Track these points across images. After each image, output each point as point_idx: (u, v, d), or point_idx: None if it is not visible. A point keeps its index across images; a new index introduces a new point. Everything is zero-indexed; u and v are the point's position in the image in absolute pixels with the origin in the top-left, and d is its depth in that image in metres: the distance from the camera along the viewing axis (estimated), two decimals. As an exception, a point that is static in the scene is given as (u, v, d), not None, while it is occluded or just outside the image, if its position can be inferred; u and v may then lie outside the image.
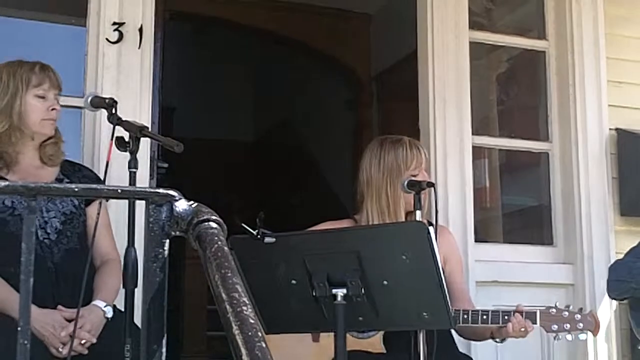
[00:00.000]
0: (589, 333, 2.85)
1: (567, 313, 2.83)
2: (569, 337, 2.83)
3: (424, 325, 2.55)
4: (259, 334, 1.12)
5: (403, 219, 3.01)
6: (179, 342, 6.29)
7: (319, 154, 8.09)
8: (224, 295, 1.18)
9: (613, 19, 4.48)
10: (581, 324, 2.81)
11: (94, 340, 2.60)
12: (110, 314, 2.69)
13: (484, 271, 4.01)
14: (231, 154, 9.10)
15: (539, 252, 4.30)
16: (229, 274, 1.20)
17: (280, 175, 8.77)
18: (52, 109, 2.85)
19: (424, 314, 2.41)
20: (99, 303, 2.69)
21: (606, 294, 4.06)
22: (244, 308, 1.15)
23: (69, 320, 2.58)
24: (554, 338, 2.85)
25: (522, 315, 2.81)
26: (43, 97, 2.85)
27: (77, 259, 2.71)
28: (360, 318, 2.44)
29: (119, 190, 1.39)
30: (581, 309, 2.87)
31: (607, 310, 4.12)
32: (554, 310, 2.84)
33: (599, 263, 4.05)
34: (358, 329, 2.81)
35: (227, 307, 1.16)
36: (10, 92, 2.81)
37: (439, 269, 2.33)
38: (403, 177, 2.99)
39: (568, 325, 2.81)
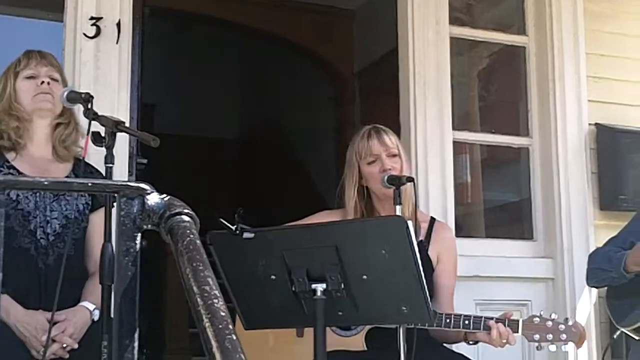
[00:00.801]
0: (572, 344, 2.78)
1: (550, 323, 2.76)
2: (552, 347, 2.77)
3: (404, 320, 2.54)
4: (230, 326, 1.12)
5: (358, 214, 3.00)
6: (161, 339, 6.28)
7: (301, 150, 8.09)
8: (195, 288, 1.17)
9: (592, 14, 4.50)
10: (564, 335, 2.74)
11: (76, 346, 2.57)
12: (97, 317, 2.65)
13: (465, 266, 4.00)
14: (213, 150, 9.08)
15: (519, 247, 4.32)
16: (201, 267, 1.20)
17: (263, 172, 8.76)
18: (42, 82, 2.80)
19: (404, 308, 2.40)
20: (88, 305, 2.66)
21: (586, 288, 4.09)
22: (215, 301, 1.15)
23: (54, 323, 2.52)
24: (536, 348, 2.80)
25: (504, 324, 2.77)
26: (33, 77, 2.82)
27: (69, 264, 2.62)
28: (340, 313, 2.43)
29: (90, 184, 1.38)
30: (567, 319, 2.81)
31: (587, 303, 4.14)
32: (538, 319, 2.78)
33: (579, 257, 4.06)
34: (338, 324, 2.81)
35: (198, 300, 1.15)
36: (2, 86, 2.83)
37: (417, 263, 2.32)
38: (362, 168, 3.02)
39: (551, 336, 2.74)
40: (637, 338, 3.23)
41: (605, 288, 3.44)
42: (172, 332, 6.24)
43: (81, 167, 2.72)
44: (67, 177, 2.80)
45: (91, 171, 2.85)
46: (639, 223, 3.37)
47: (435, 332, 2.91)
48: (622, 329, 3.28)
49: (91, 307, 2.66)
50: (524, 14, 4.55)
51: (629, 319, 3.21)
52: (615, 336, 3.54)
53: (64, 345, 2.56)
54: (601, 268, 3.27)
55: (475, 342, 2.88)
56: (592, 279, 3.41)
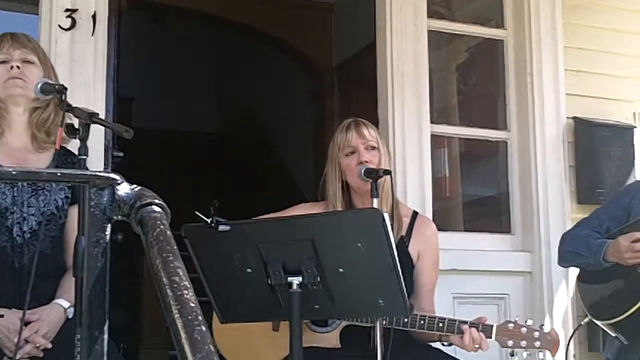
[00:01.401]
0: (547, 352, 2.75)
1: (525, 329, 2.74)
2: (525, 354, 2.75)
3: (380, 313, 2.54)
4: (199, 317, 1.10)
5: (339, 206, 3.00)
6: (138, 333, 6.25)
7: (280, 144, 8.07)
8: (164, 280, 1.15)
9: (571, 7, 4.51)
10: (538, 342, 2.72)
11: (49, 346, 2.50)
12: (71, 315, 2.56)
13: (443, 260, 3.97)
14: (191, 144, 9.05)
15: (497, 240, 4.32)
16: (170, 258, 1.18)
17: (241, 166, 8.73)
18: (12, 67, 2.69)
19: (380, 301, 2.39)
20: (62, 302, 2.58)
21: (563, 281, 4.10)
22: (185, 292, 1.13)
23: (27, 323, 2.47)
24: (510, 354, 2.77)
25: (478, 328, 2.75)
26: (5, 62, 2.71)
27: (45, 263, 2.62)
28: (316, 306, 2.42)
29: (59, 174, 1.36)
30: (542, 325, 2.78)
31: (564, 297, 4.16)
32: (512, 325, 2.75)
33: (557, 251, 4.06)
34: (314, 317, 2.79)
35: (168, 291, 1.13)
36: None
37: (394, 256, 2.31)
38: (340, 161, 3.02)
39: (525, 342, 2.72)
40: (613, 335, 3.22)
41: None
42: (149, 327, 6.21)
43: (55, 156, 2.63)
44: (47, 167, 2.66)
45: (73, 161, 2.72)
46: (615, 207, 3.35)
47: (412, 331, 2.90)
48: (597, 322, 3.28)
49: (66, 304, 2.58)
50: (502, 7, 4.55)
51: (605, 313, 3.21)
52: (583, 323, 3.53)
53: (37, 345, 2.50)
54: (577, 252, 3.27)
55: (450, 344, 2.87)
56: (566, 261, 3.41)
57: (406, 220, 3.09)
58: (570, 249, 3.32)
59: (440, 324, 2.78)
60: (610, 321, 3.16)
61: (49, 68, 2.82)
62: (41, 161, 2.72)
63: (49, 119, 2.74)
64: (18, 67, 2.71)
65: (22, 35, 2.81)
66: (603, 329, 3.29)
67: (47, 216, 2.66)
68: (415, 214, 3.16)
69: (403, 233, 3.04)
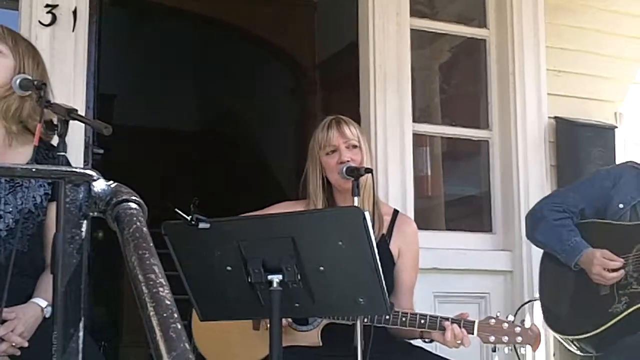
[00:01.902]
0: (529, 347, 2.77)
1: (507, 325, 2.75)
2: (507, 349, 2.77)
3: (361, 311, 2.53)
4: (175, 315, 1.09)
5: (320, 204, 2.99)
6: (118, 331, 6.23)
7: (262, 142, 8.06)
8: (140, 277, 1.14)
9: (553, 8, 4.53)
10: (520, 338, 2.73)
11: (26, 344, 2.46)
12: (48, 314, 2.52)
13: (424, 259, 3.98)
14: (173, 142, 9.02)
15: (478, 240, 4.33)
16: (147, 255, 1.17)
17: (223, 164, 8.71)
18: None
19: (360, 299, 2.39)
20: (39, 301, 2.54)
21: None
22: (160, 289, 1.12)
23: (4, 321, 2.43)
24: (492, 350, 2.80)
25: (459, 325, 2.76)
26: None
27: (22, 261, 2.57)
28: (297, 304, 2.41)
29: (34, 170, 1.34)
30: (523, 321, 2.80)
31: (544, 296, 4.16)
32: (494, 320, 2.76)
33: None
34: (294, 315, 2.78)
35: (144, 288, 1.12)
36: None
37: (374, 254, 2.30)
38: (321, 159, 3.01)
39: (506, 338, 2.74)
40: (571, 350, 3.22)
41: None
42: (129, 325, 6.19)
43: (34, 151, 2.58)
44: (27, 164, 2.57)
45: (54, 156, 2.58)
46: (595, 190, 3.33)
47: (392, 328, 2.90)
48: (559, 337, 3.28)
49: (43, 303, 2.53)
50: (485, 7, 4.56)
51: (570, 329, 3.20)
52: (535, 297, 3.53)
53: (14, 344, 2.46)
54: (549, 246, 3.28)
55: (431, 340, 2.88)
56: (535, 244, 3.43)
57: (387, 219, 3.09)
58: (541, 239, 3.32)
59: (422, 321, 2.79)
60: (576, 337, 3.16)
61: (24, 58, 2.70)
62: (22, 155, 2.66)
63: (12, 105, 2.64)
64: None
65: None
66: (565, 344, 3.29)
67: (24, 214, 2.61)
68: (396, 212, 3.16)
69: (384, 231, 3.04)
